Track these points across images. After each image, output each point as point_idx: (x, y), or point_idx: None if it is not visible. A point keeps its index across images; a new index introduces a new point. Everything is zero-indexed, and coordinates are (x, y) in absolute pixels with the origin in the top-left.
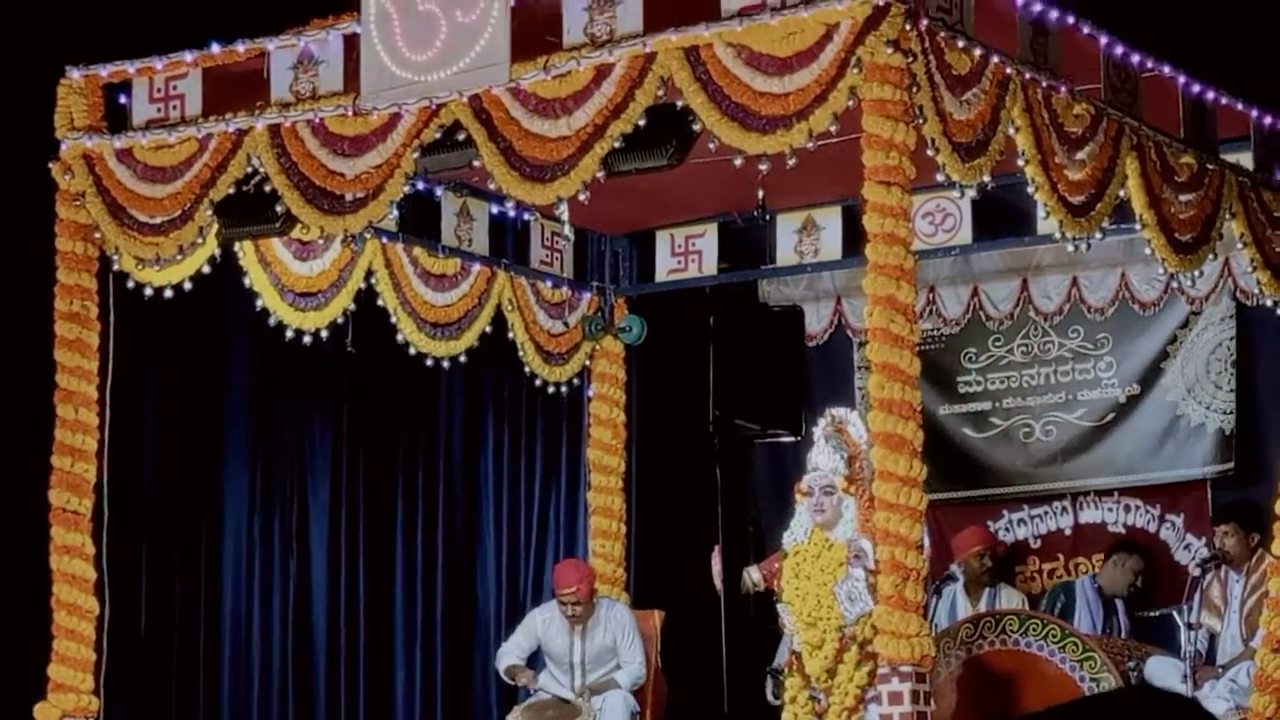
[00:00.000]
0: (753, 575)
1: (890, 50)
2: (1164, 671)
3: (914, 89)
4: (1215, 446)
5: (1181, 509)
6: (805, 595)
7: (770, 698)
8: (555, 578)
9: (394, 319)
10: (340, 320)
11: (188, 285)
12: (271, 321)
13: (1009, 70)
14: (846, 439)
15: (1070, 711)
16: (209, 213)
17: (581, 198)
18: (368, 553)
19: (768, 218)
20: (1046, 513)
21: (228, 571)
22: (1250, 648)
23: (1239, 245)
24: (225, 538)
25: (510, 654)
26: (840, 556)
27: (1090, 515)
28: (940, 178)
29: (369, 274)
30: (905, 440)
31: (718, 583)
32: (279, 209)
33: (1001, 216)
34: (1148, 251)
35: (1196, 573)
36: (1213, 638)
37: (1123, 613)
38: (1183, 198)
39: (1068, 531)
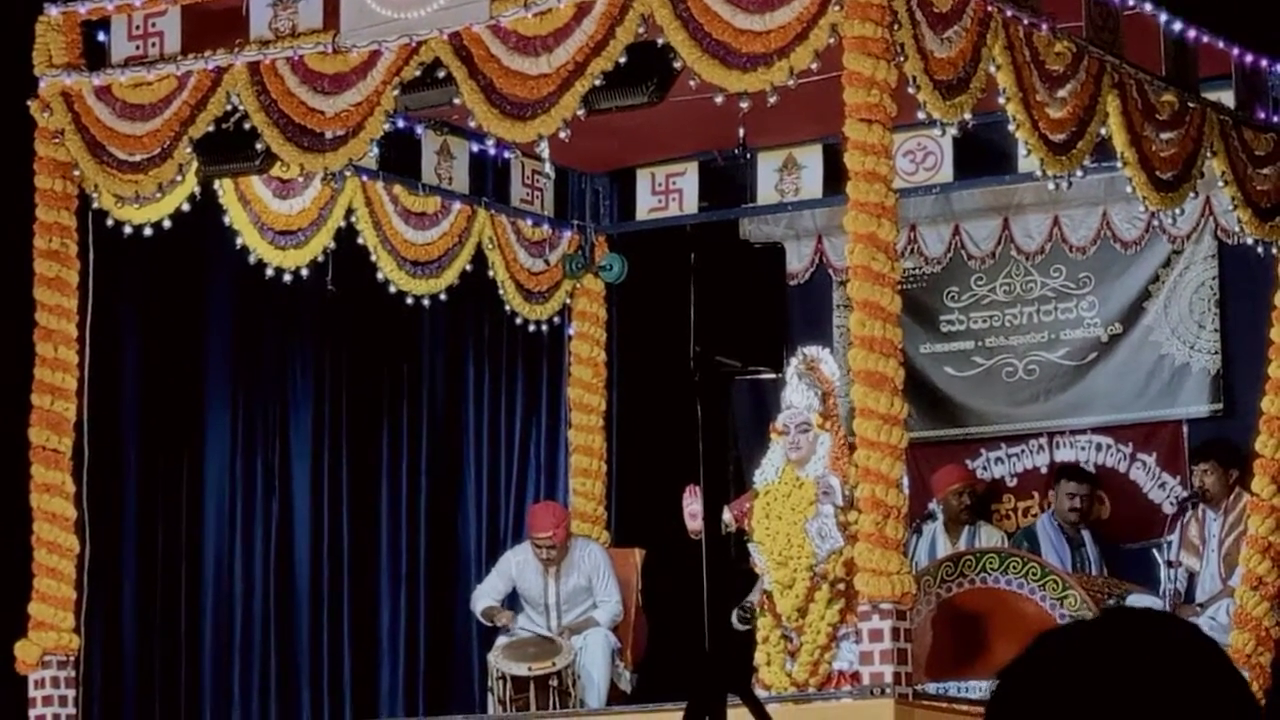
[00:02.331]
0: (724, 516)
1: None
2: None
3: (895, 26)
4: (1201, 386)
5: (1154, 448)
6: (776, 535)
7: (735, 621)
8: (530, 521)
9: (374, 257)
10: (320, 258)
11: (167, 223)
12: (251, 259)
13: (990, 8)
14: (819, 377)
15: (1062, 638)
16: (188, 150)
17: (562, 135)
18: (350, 491)
19: (748, 156)
20: (1023, 451)
21: (210, 510)
22: (1229, 586)
23: (1220, 183)
24: (207, 476)
25: (485, 596)
26: (810, 495)
27: (1065, 454)
28: (921, 116)
29: (349, 212)
30: (886, 378)
31: (690, 524)
32: (259, 147)
33: (983, 155)
34: (1129, 190)
35: (1173, 510)
36: (1191, 576)
37: (1090, 544)
38: (1164, 136)
39: (1044, 470)
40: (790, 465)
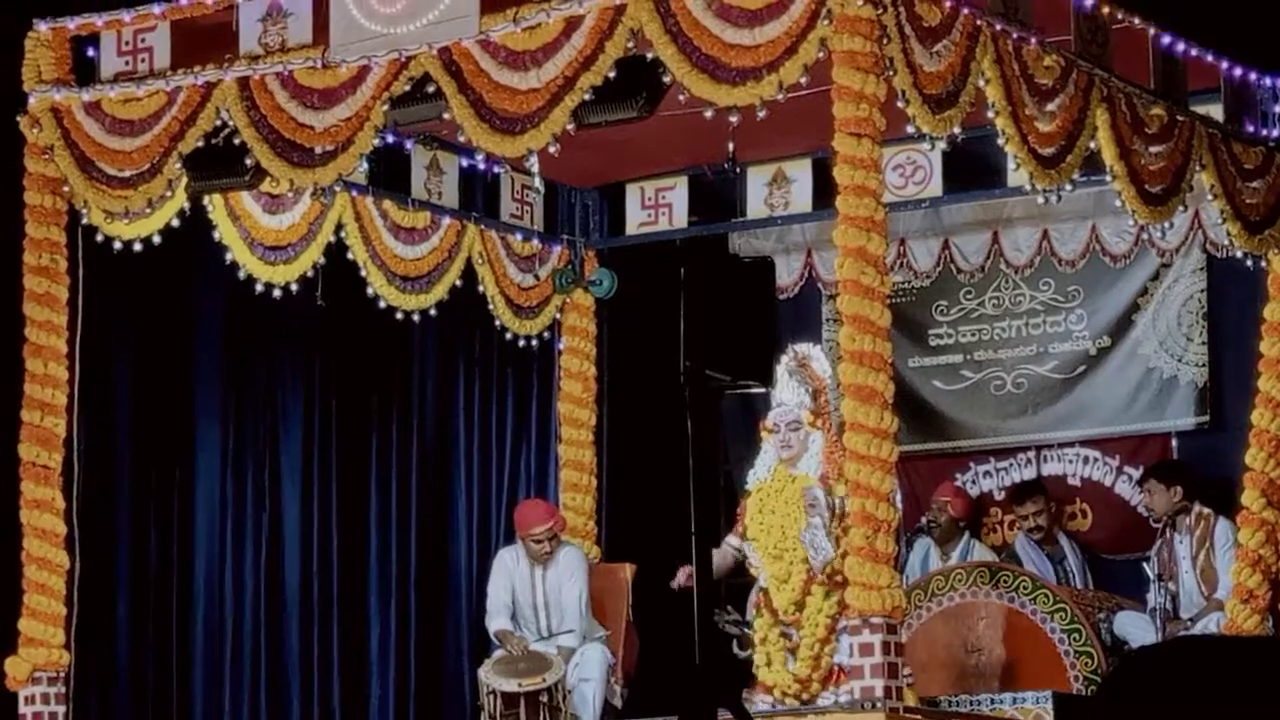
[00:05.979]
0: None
1: (860, 1)
2: (1134, 624)
3: (884, 41)
4: (1189, 399)
5: (1142, 461)
6: (770, 529)
7: (736, 649)
8: (522, 519)
9: (364, 272)
10: (310, 274)
11: (157, 239)
12: (241, 275)
13: (979, 22)
14: (810, 374)
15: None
16: (178, 166)
17: (551, 150)
18: (340, 506)
19: (738, 170)
20: (1011, 464)
21: (200, 526)
22: (1216, 599)
23: (1209, 197)
24: (198, 492)
25: (500, 614)
26: (803, 489)
27: (1053, 467)
28: (910, 130)
29: (339, 227)
30: (876, 392)
31: (681, 579)
32: (248, 162)
33: (972, 168)
34: (1118, 203)
35: (1159, 526)
36: (1174, 594)
37: (1071, 555)
38: (1153, 149)
39: None
40: (782, 463)
